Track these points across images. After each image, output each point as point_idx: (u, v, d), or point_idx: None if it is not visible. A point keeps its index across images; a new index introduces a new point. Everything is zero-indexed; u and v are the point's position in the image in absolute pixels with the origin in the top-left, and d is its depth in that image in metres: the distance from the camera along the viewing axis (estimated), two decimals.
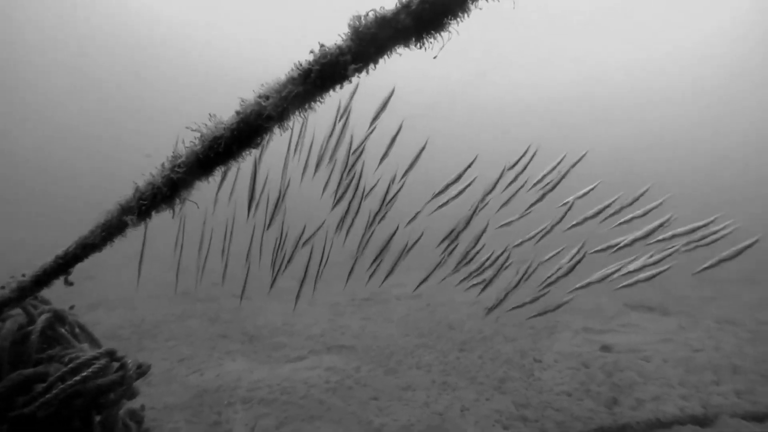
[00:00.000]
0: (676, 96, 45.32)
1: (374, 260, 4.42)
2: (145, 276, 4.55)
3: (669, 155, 41.23)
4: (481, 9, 0.82)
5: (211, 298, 9.35)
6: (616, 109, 46.12)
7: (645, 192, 4.63)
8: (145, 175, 1.16)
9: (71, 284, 1.62)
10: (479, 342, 6.88)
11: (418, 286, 4.94)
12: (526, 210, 4.78)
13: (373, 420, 4.63)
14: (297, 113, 0.94)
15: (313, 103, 0.92)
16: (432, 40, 0.87)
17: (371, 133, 4.13)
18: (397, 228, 4.40)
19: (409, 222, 4.60)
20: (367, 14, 0.86)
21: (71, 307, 3.34)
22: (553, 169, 4.72)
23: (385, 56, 0.89)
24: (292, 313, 8.47)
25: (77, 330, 3.85)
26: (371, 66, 0.91)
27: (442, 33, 0.86)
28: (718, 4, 41.04)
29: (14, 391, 2.85)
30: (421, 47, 0.87)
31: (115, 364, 3.37)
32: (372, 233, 4.46)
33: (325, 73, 0.89)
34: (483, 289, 4.79)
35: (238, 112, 0.96)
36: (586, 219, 4.66)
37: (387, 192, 4.34)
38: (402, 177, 4.36)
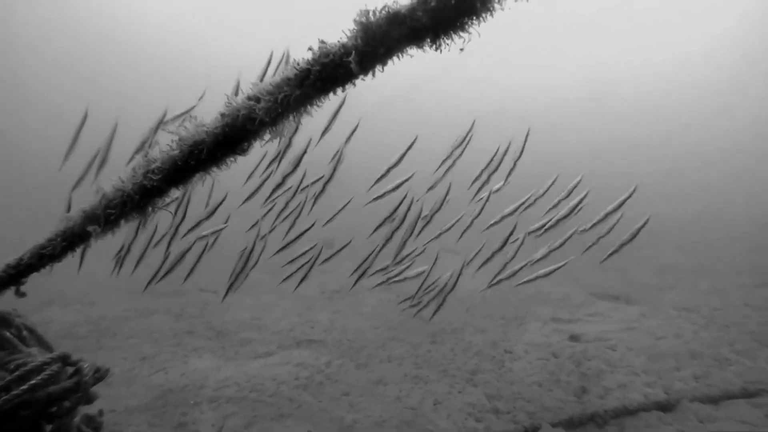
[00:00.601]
0: (679, 97, 46.48)
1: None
2: (103, 268, 4.32)
3: (670, 155, 42.27)
4: (503, 10, 0.71)
5: (177, 292, 9.01)
6: (615, 110, 47.09)
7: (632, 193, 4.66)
8: (113, 179, 1.02)
9: (23, 295, 1.46)
10: (450, 334, 6.90)
11: (353, 285, 4.85)
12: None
13: (344, 417, 4.55)
14: (291, 117, 0.82)
15: (310, 106, 0.80)
16: (449, 41, 0.76)
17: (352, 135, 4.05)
18: (313, 224, 4.40)
19: (328, 220, 4.53)
20: (378, 9, 0.74)
21: (13, 310, 3.10)
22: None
23: (396, 58, 0.78)
24: (261, 308, 8.29)
25: (24, 333, 3.59)
26: (378, 68, 0.79)
27: (461, 34, 0.75)
28: (722, 8, 42.36)
29: None
30: (436, 49, 0.77)
31: (69, 369, 3.16)
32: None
33: (326, 75, 0.77)
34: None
35: (223, 115, 0.83)
36: (503, 217, 4.69)
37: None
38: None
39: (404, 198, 4.38)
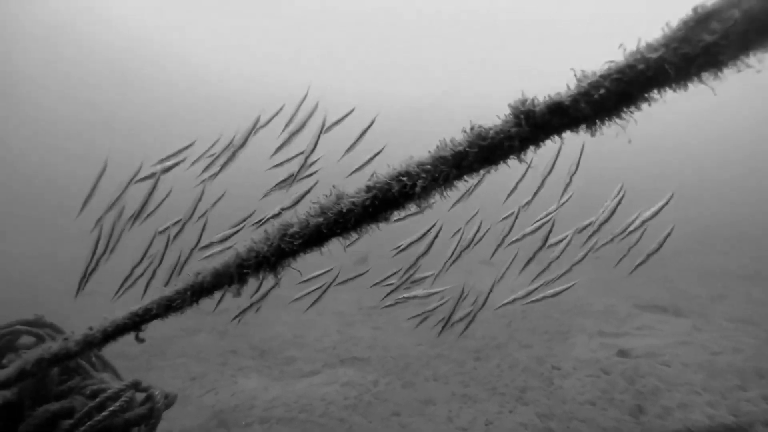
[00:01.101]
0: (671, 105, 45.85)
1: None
2: (148, 293, 4.48)
3: (713, 157, 41.36)
4: (665, 102, 0.73)
5: (219, 311, 9.18)
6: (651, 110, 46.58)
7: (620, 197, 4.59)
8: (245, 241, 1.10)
9: (143, 341, 1.53)
10: (494, 350, 6.80)
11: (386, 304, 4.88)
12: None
13: None
14: (440, 192, 0.85)
15: (458, 181, 0.84)
16: (606, 127, 0.79)
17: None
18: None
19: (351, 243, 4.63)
20: (540, 99, 0.78)
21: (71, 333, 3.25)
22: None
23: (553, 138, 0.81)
24: (301, 325, 8.37)
25: (93, 359, 3.74)
26: (532, 149, 0.83)
27: (617, 121, 0.78)
28: None
29: (41, 429, 2.74)
30: (592, 134, 0.80)
31: (140, 395, 3.26)
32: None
33: (482, 156, 0.80)
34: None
35: (370, 188, 0.87)
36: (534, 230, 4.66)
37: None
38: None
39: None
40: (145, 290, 4.35)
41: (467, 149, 0.79)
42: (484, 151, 0.79)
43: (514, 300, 4.73)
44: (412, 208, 0.89)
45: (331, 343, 7.42)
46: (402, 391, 5.56)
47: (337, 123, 4.30)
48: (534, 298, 4.85)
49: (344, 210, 0.91)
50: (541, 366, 6.06)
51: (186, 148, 4.35)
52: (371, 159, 4.54)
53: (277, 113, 4.35)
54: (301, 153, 4.16)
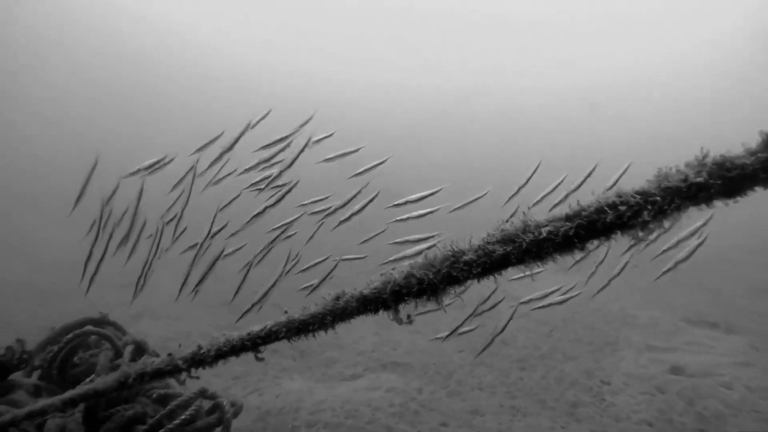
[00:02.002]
0: (676, 103, 45.31)
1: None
2: (187, 284, 4.54)
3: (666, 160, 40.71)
4: None
5: (257, 309, 9.24)
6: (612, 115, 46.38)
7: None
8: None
9: (262, 359, 1.47)
10: (538, 360, 6.64)
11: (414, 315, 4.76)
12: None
13: None
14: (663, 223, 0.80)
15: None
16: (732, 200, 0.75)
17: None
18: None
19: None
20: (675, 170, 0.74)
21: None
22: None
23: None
24: (339, 327, 8.33)
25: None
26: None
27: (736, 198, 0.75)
28: (720, 13, 41.38)
29: None
30: (708, 206, 0.75)
31: (206, 402, 3.25)
32: None
33: (726, 189, 0.71)
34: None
35: (570, 217, 0.82)
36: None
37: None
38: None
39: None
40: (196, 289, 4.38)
41: (708, 181, 0.71)
42: (730, 183, 0.71)
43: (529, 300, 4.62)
44: (627, 238, 0.82)
45: (369, 345, 7.36)
46: (448, 400, 5.46)
47: (318, 141, 4.42)
48: (540, 305, 4.70)
49: (540, 239, 0.84)
50: (590, 380, 5.87)
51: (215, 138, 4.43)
52: (377, 165, 4.59)
53: (262, 118, 4.42)
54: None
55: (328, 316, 1.25)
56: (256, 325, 1.55)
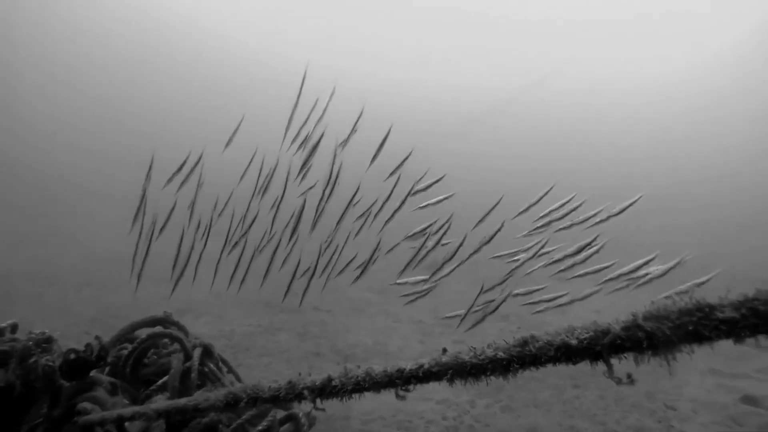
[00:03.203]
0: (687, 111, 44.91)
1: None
2: (223, 280, 4.56)
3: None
4: None
5: (295, 309, 9.20)
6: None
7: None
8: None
9: (403, 399, 1.30)
10: (592, 377, 6.32)
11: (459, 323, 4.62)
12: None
13: None
14: None
15: None
16: None
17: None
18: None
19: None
20: None
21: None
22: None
23: None
24: (380, 332, 8.20)
25: (220, 364, 3.67)
26: None
27: None
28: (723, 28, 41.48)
29: None
30: None
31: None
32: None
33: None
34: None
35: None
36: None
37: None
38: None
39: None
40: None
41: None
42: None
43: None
44: None
45: (414, 353, 7.19)
46: (503, 416, 5.23)
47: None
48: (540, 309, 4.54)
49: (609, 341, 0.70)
50: (652, 403, 5.55)
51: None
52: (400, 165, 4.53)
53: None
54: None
55: (513, 362, 1.07)
56: (407, 362, 1.41)
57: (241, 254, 4.66)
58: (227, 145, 4.62)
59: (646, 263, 3.89)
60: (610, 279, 3.95)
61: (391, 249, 4.62)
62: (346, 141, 4.43)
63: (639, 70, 46.85)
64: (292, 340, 7.55)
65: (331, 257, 4.81)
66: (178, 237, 4.43)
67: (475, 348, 1.23)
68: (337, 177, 4.50)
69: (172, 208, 4.51)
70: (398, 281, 4.80)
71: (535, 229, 4.58)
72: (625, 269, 3.93)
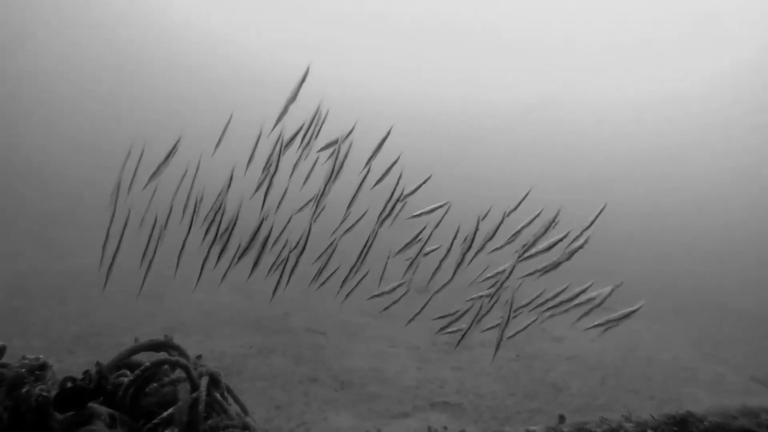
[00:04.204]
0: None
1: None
2: (213, 301, 4.24)
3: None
4: None
5: (287, 330, 8.89)
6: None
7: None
8: None
9: None
10: (598, 411, 6.13)
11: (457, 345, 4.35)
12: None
13: None
14: None
15: None
16: None
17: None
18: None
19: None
20: None
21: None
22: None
23: None
24: (376, 357, 7.91)
25: (225, 393, 3.41)
26: None
27: None
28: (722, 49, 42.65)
29: None
30: None
31: None
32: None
33: None
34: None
35: None
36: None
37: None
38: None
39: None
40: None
41: None
42: None
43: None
44: None
45: (413, 381, 6.92)
46: None
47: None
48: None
49: None
50: None
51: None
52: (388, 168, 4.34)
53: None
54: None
55: None
56: None
57: (225, 245, 4.27)
58: (216, 146, 4.33)
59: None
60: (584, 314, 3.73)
61: (385, 264, 4.33)
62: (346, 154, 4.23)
63: (648, 87, 49.02)
64: (286, 364, 7.23)
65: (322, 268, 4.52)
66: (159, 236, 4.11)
67: (607, 420, 1.06)
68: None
69: (147, 208, 4.16)
70: (375, 294, 4.49)
71: (524, 252, 4.34)
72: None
